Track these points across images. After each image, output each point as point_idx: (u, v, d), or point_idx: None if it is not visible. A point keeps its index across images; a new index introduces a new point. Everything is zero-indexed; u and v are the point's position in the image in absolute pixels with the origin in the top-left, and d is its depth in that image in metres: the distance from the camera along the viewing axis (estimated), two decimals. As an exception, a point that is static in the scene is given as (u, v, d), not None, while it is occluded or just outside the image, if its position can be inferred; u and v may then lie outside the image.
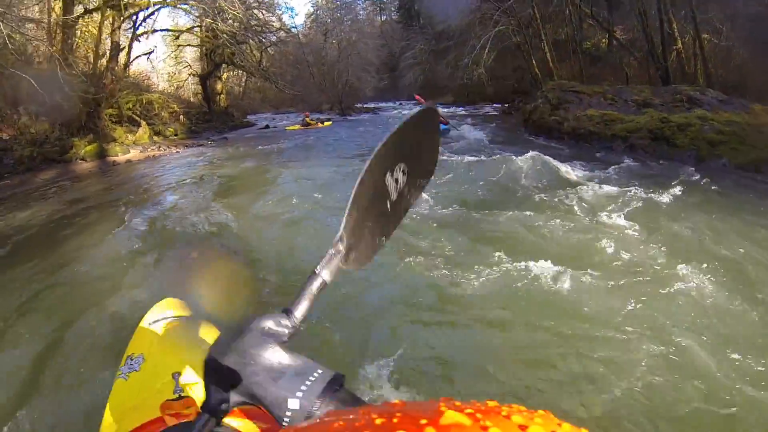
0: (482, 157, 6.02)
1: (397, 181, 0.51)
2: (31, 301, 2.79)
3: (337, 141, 10.26)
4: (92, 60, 10.50)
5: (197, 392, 0.76)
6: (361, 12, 39.94)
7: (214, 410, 0.42)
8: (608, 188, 4.10)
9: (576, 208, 3.76)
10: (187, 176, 7.00)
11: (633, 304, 2.23)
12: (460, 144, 7.22)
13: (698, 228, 3.17)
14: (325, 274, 0.47)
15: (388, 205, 0.51)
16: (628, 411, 1.58)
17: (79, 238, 4.19)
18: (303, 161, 7.42)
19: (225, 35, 13.54)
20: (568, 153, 5.25)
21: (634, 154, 6.46)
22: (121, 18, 11.72)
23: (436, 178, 4.44)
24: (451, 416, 0.19)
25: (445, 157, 6.21)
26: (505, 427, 0.18)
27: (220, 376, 0.42)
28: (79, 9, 10.26)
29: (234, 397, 0.41)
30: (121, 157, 9.36)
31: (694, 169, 5.06)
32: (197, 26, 14.74)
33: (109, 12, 10.66)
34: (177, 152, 10.45)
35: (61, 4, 9.72)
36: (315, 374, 0.39)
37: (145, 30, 13.61)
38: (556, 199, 3.97)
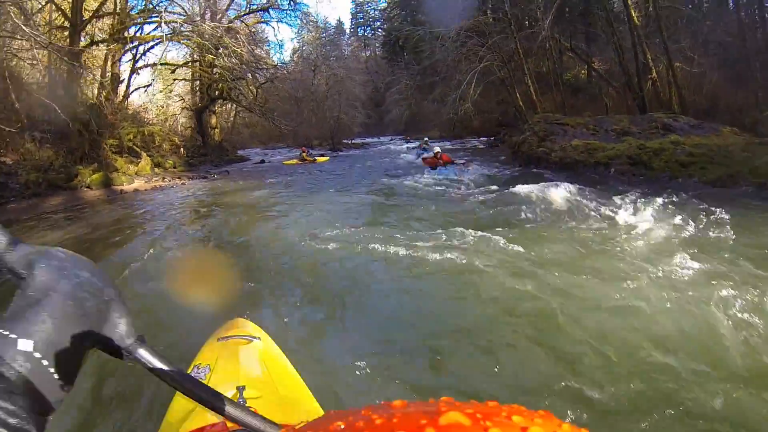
0: (493, 187, 6.32)
1: None
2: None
3: (340, 176, 10.13)
4: (96, 90, 10.40)
5: (261, 407, 0.75)
6: (346, 47, 40.74)
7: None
8: (594, 207, 4.57)
9: (568, 222, 4.15)
10: (203, 206, 6.83)
11: (633, 305, 2.31)
12: (463, 177, 7.46)
13: (670, 235, 3.49)
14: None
15: None
16: (628, 411, 1.59)
17: (123, 254, 4.00)
18: (317, 193, 7.34)
19: (225, 70, 13.80)
20: (559, 179, 5.67)
21: (615, 178, 7.03)
22: (122, 51, 11.82)
23: (452, 213, 4.78)
24: (451, 416, 0.19)
25: (452, 190, 6.52)
26: (506, 427, 0.18)
27: None
28: (84, 40, 10.29)
29: None
30: (127, 186, 9.09)
31: (668, 187, 5.53)
32: (196, 60, 14.96)
33: (113, 45, 10.75)
34: (182, 183, 10.24)
35: (67, 34, 9.73)
36: None
37: (146, 63, 13.71)
38: (553, 217, 4.37)
